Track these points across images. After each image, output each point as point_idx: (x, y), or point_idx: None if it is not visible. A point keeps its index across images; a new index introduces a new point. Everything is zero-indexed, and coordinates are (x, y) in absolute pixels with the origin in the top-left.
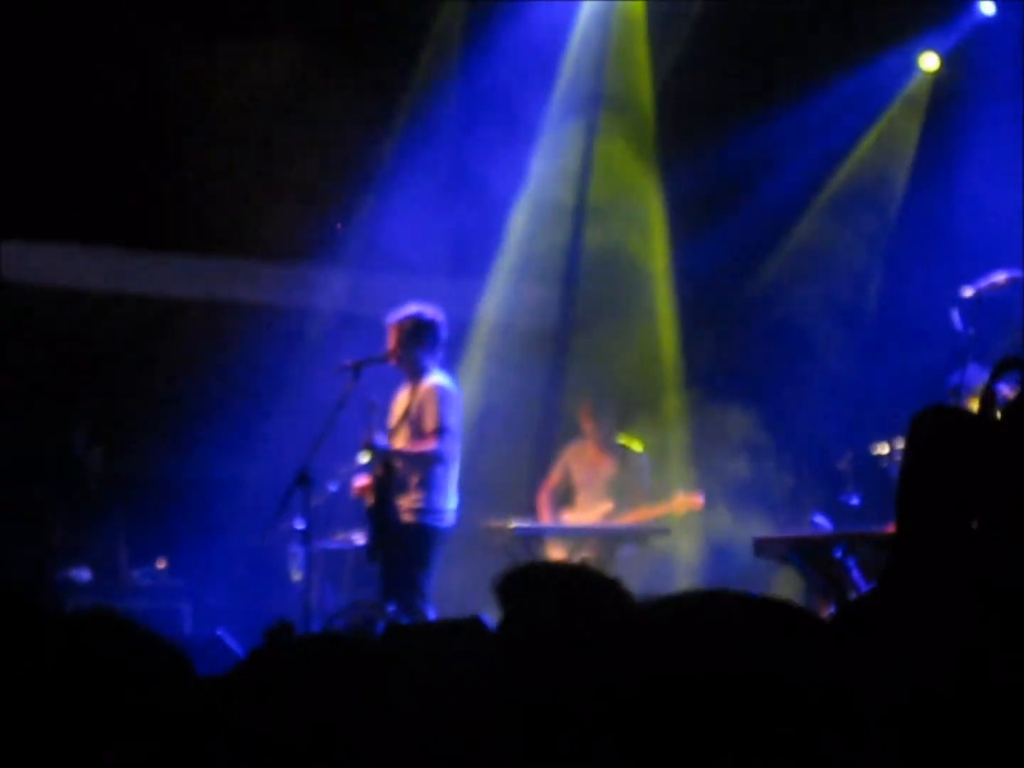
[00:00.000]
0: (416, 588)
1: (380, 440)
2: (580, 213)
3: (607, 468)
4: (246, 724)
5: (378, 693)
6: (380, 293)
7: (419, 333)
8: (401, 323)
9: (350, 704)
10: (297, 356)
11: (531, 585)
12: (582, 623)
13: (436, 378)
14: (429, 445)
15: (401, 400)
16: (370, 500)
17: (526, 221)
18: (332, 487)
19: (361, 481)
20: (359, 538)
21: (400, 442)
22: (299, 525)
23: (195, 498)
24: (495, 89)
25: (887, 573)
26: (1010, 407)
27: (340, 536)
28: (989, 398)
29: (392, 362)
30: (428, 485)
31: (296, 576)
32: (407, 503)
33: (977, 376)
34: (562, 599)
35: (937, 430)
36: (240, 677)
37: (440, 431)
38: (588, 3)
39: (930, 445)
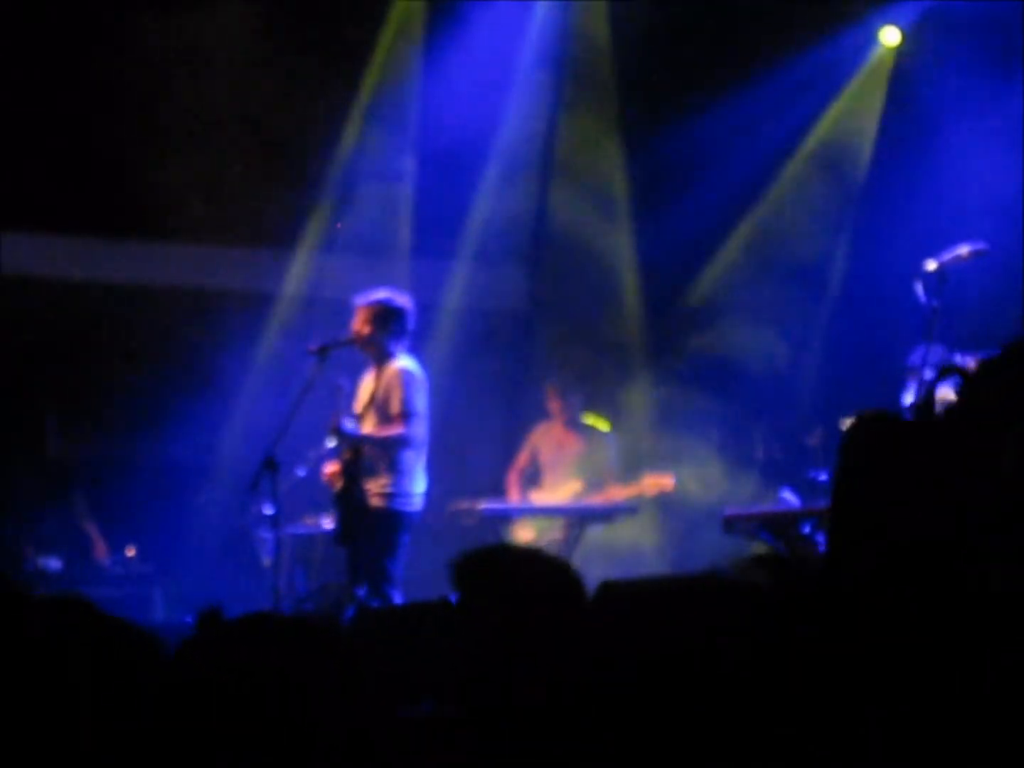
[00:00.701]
0: (384, 572)
1: (347, 425)
2: (543, 193)
3: (574, 447)
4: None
5: (313, 672)
6: (343, 276)
7: (387, 319)
8: (370, 306)
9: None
10: (262, 340)
11: (485, 568)
12: (535, 606)
13: (402, 362)
14: (396, 429)
15: (367, 384)
16: (338, 485)
17: (489, 203)
18: (300, 472)
19: (331, 467)
20: (328, 523)
21: (367, 426)
22: (267, 510)
23: (163, 484)
24: (459, 69)
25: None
26: (948, 415)
27: (309, 521)
28: (927, 404)
29: (357, 345)
30: (396, 469)
31: (265, 561)
32: (375, 487)
33: (938, 355)
34: (514, 582)
35: (872, 442)
36: (176, 661)
37: (407, 415)
38: None
39: (863, 458)
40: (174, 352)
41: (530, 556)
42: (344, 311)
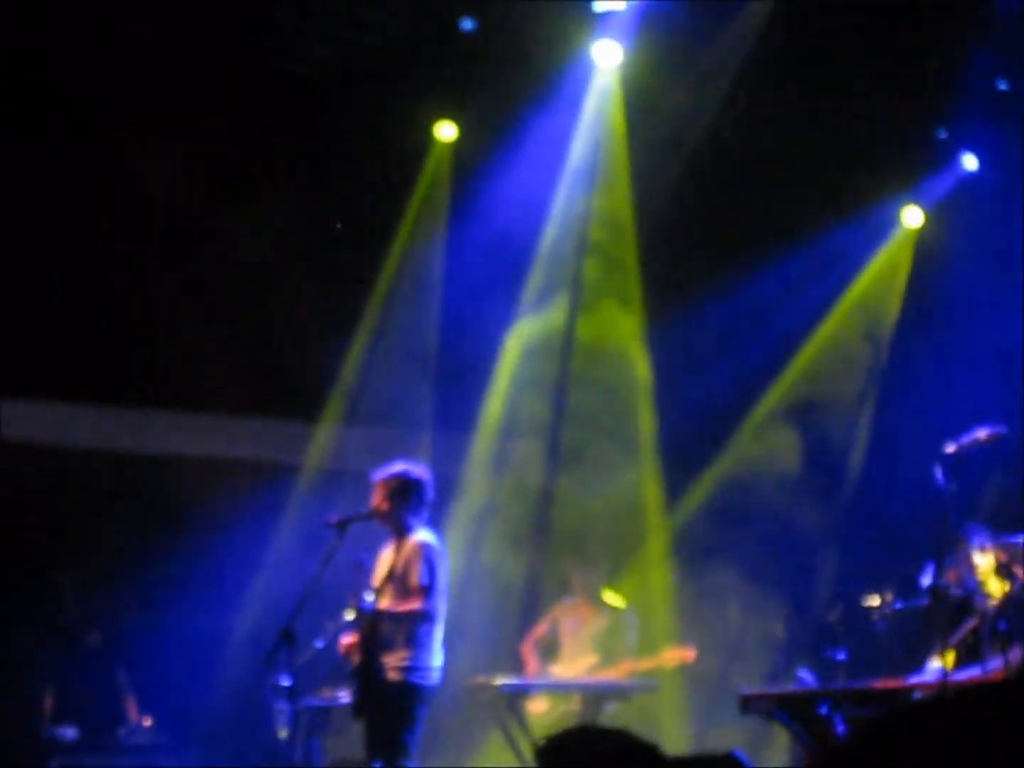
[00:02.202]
0: (401, 746)
1: (366, 602)
2: (564, 367)
3: (595, 623)
4: None
5: None
6: (365, 448)
7: (405, 491)
8: (387, 480)
9: None
10: (283, 512)
11: (572, 751)
12: None
13: (422, 535)
14: (415, 604)
15: (386, 558)
16: (356, 658)
17: (510, 379)
18: (318, 644)
19: (348, 639)
20: (345, 695)
21: (386, 600)
22: (285, 682)
23: (181, 655)
24: (481, 249)
25: None
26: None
27: (326, 693)
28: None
29: (377, 519)
30: (414, 643)
31: (282, 733)
32: (393, 661)
33: (976, 536)
34: (602, 765)
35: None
36: None
37: (426, 589)
38: (571, 160)
39: None
40: (197, 521)
41: (614, 737)
42: (365, 483)
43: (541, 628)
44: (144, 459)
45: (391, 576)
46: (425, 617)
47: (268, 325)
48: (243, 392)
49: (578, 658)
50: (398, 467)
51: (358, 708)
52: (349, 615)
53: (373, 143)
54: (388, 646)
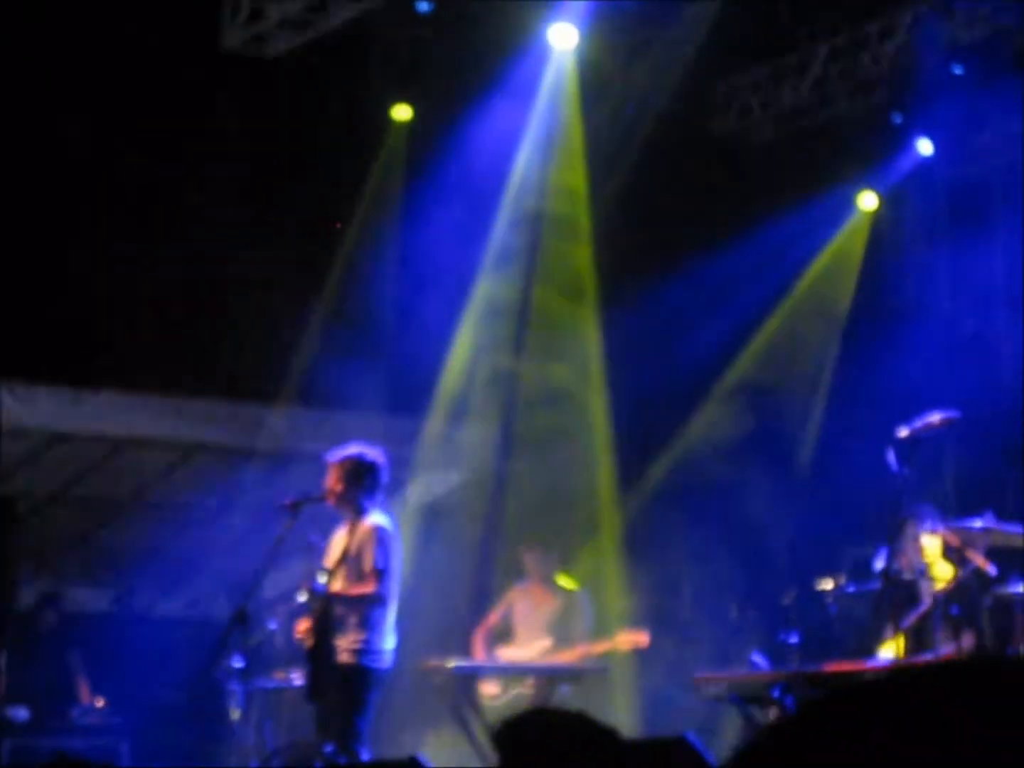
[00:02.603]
0: (352, 729)
1: (319, 584)
2: (518, 352)
3: (549, 606)
4: None
5: None
6: (319, 431)
7: (359, 474)
8: (341, 463)
9: None
10: (237, 494)
11: (530, 735)
12: None
13: (375, 518)
14: (368, 587)
15: (339, 539)
16: (308, 641)
17: (464, 364)
18: (271, 625)
19: (304, 623)
20: (298, 677)
21: (339, 583)
22: (237, 663)
23: (133, 636)
24: (437, 223)
25: None
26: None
27: (279, 675)
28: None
29: (330, 501)
30: (367, 626)
31: (235, 714)
32: (346, 644)
33: (924, 518)
34: (560, 749)
35: (531, 749)
36: None
37: (380, 573)
38: (527, 141)
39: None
40: (149, 503)
41: (572, 721)
42: (318, 466)
43: (494, 616)
44: (97, 440)
45: (344, 559)
46: (378, 600)
47: (223, 307)
48: (194, 374)
49: (532, 641)
50: (353, 449)
51: (311, 691)
52: (302, 597)
53: (328, 124)
54: (340, 629)
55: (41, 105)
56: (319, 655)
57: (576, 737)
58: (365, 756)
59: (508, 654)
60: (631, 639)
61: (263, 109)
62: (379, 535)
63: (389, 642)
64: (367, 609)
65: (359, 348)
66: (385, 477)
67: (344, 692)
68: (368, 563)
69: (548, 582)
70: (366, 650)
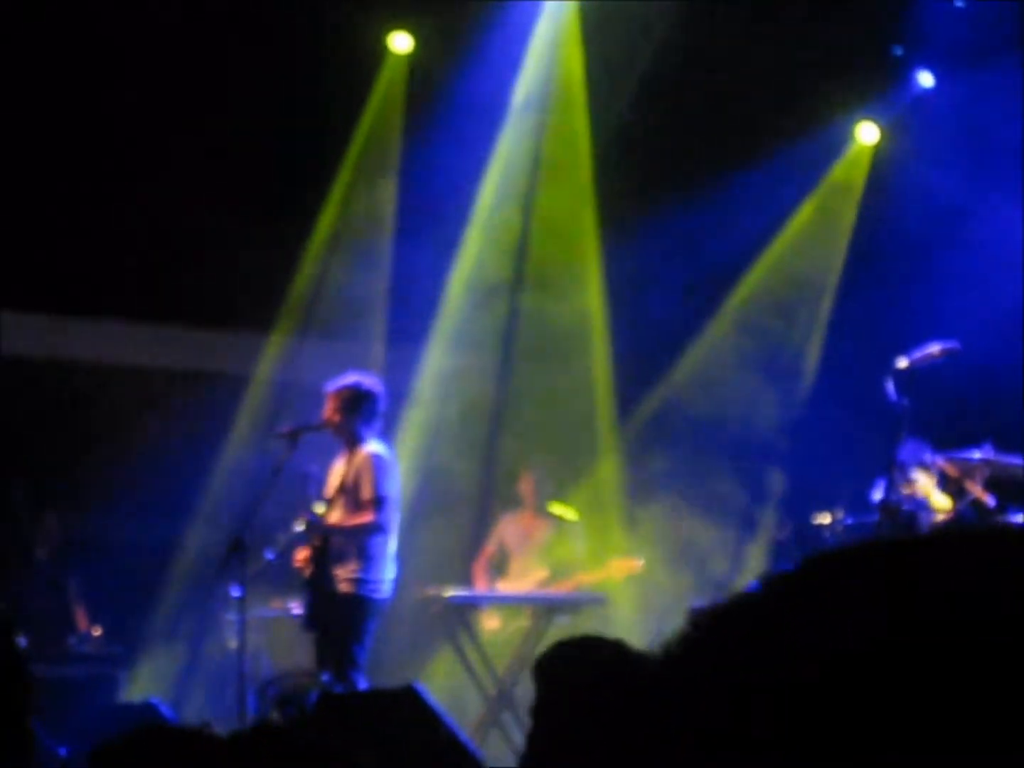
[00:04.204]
0: (351, 658)
1: (316, 515)
2: (518, 282)
3: (542, 535)
4: None
5: None
6: (317, 361)
7: (357, 403)
8: (339, 392)
9: None
10: (235, 423)
11: (571, 663)
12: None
13: (373, 447)
14: (367, 517)
15: (338, 469)
16: (308, 570)
17: (463, 291)
18: (269, 555)
19: (303, 553)
20: (295, 606)
21: (337, 512)
22: (235, 592)
23: (131, 564)
24: (434, 162)
25: None
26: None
27: (276, 604)
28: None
29: (329, 430)
30: (366, 555)
31: (231, 643)
32: (344, 573)
33: (915, 451)
34: (599, 678)
35: (571, 677)
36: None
37: (378, 501)
38: (526, 77)
39: (562, 697)
40: (147, 432)
41: (613, 647)
42: (317, 395)
43: (489, 547)
44: (96, 368)
45: (343, 487)
46: (377, 529)
47: (222, 236)
48: (195, 302)
49: (528, 572)
50: (350, 378)
51: (309, 620)
52: (299, 526)
53: (322, 55)
54: (339, 559)
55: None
56: (318, 585)
57: (616, 662)
58: (362, 685)
59: (504, 587)
60: (625, 566)
61: (252, 39)
62: (376, 463)
63: (389, 572)
64: (366, 539)
65: (358, 279)
66: (382, 405)
67: (342, 621)
68: (366, 492)
69: (541, 509)
70: (365, 579)
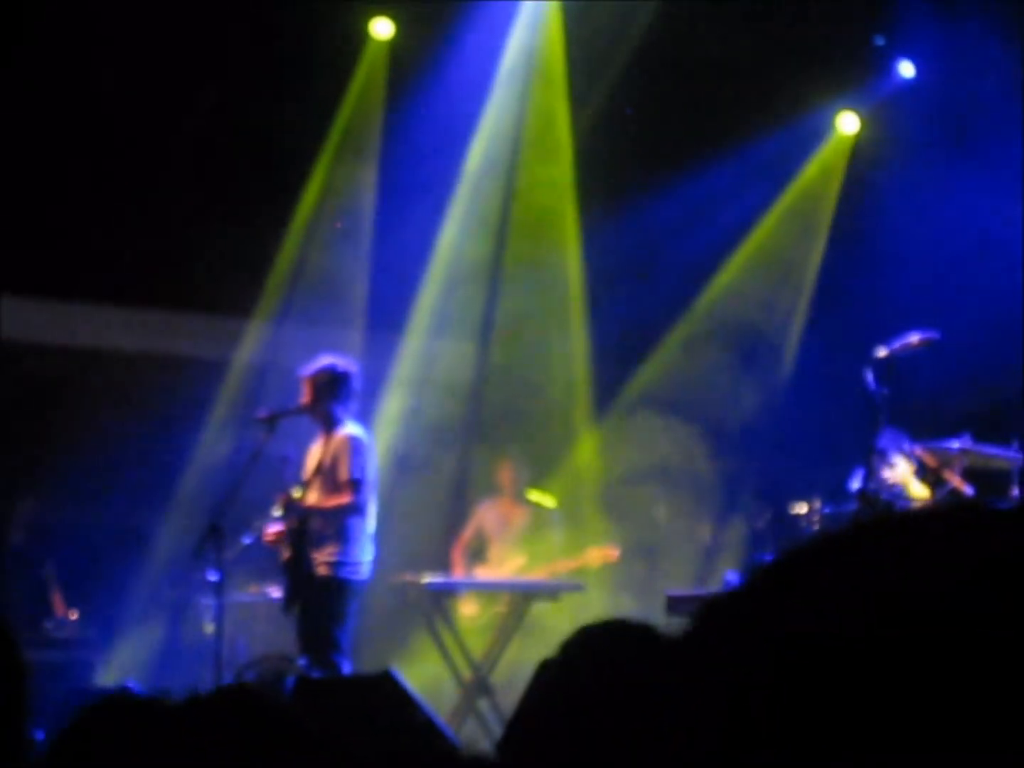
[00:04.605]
0: (332, 641)
1: (295, 498)
2: (497, 268)
3: (520, 522)
4: None
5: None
6: (296, 346)
7: (332, 385)
8: (314, 376)
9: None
10: (212, 407)
11: (598, 646)
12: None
13: (350, 428)
14: (344, 498)
15: (315, 452)
16: (286, 553)
17: (442, 277)
18: (246, 539)
19: (273, 528)
20: (272, 590)
21: (314, 494)
22: (212, 577)
23: (107, 549)
24: (414, 148)
25: None
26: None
27: (253, 589)
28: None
29: (306, 414)
30: (344, 537)
31: (208, 628)
32: (323, 556)
33: (894, 439)
34: (624, 662)
35: (601, 660)
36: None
37: (355, 483)
38: (508, 60)
39: (590, 681)
40: (125, 416)
41: (642, 631)
42: (295, 380)
43: (468, 532)
44: (72, 352)
45: (319, 470)
46: (355, 510)
47: (200, 220)
48: (173, 286)
49: (506, 559)
50: (324, 361)
51: (288, 603)
52: (277, 511)
53: (304, 40)
54: (318, 541)
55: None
56: (296, 567)
57: (644, 646)
58: (347, 668)
59: (482, 573)
60: (601, 554)
61: (232, 24)
62: (353, 444)
63: (367, 553)
64: (344, 520)
65: (337, 264)
66: (357, 385)
67: (322, 604)
68: (343, 473)
69: (519, 496)
70: (343, 562)
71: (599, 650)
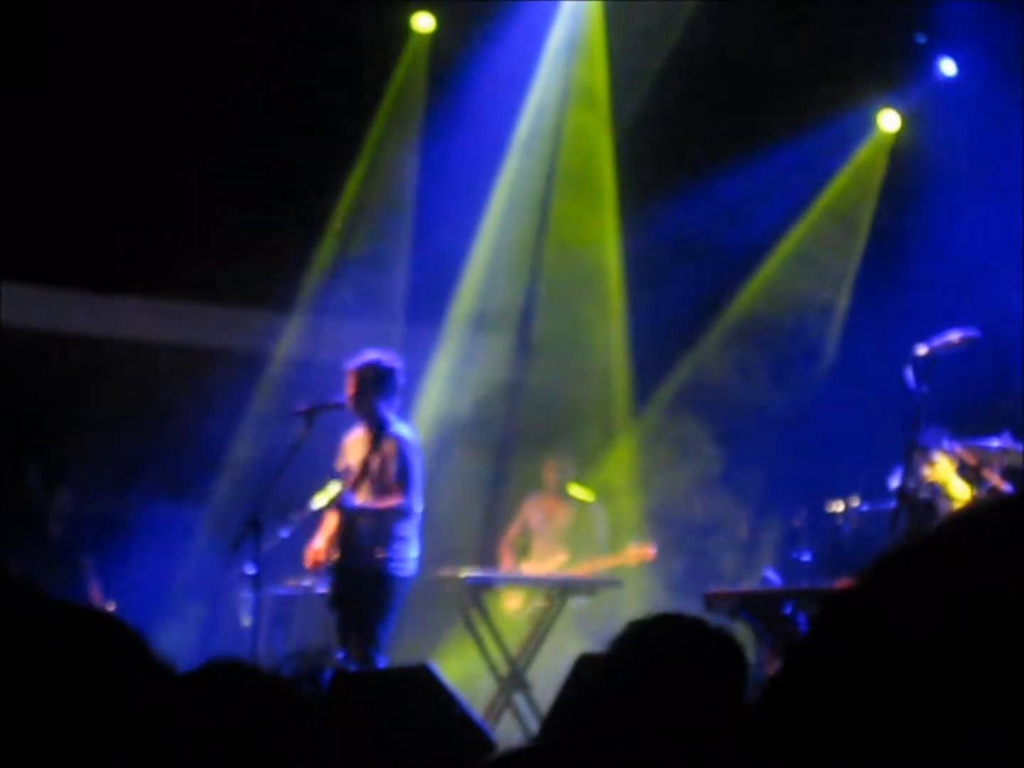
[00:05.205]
0: (373, 637)
1: (348, 499)
2: (537, 265)
3: (562, 517)
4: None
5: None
6: (336, 340)
7: (378, 380)
8: (361, 370)
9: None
10: (253, 400)
11: (651, 640)
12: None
13: (399, 429)
14: (395, 500)
15: (355, 443)
16: (334, 554)
17: (482, 271)
18: (284, 533)
19: (320, 548)
20: (309, 584)
21: (363, 495)
22: (249, 570)
23: (145, 541)
24: (456, 141)
25: None
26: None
27: (290, 582)
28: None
29: (350, 408)
30: (393, 536)
31: (245, 621)
32: (372, 553)
33: (935, 436)
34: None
35: (661, 654)
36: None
37: (406, 484)
38: (549, 55)
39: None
40: (163, 409)
41: (693, 624)
42: (334, 374)
43: (514, 529)
44: (115, 345)
45: (367, 469)
46: (405, 512)
47: (242, 213)
48: (214, 279)
49: (548, 555)
50: (370, 355)
51: (335, 600)
52: (316, 504)
53: (345, 34)
54: (367, 540)
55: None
56: (344, 565)
57: (696, 640)
58: (381, 664)
59: (526, 569)
60: (639, 553)
61: (274, 20)
62: (404, 447)
63: (413, 551)
64: (394, 521)
65: (378, 257)
66: (401, 380)
67: (368, 600)
68: (394, 476)
69: (562, 493)
70: (392, 559)
71: (650, 644)
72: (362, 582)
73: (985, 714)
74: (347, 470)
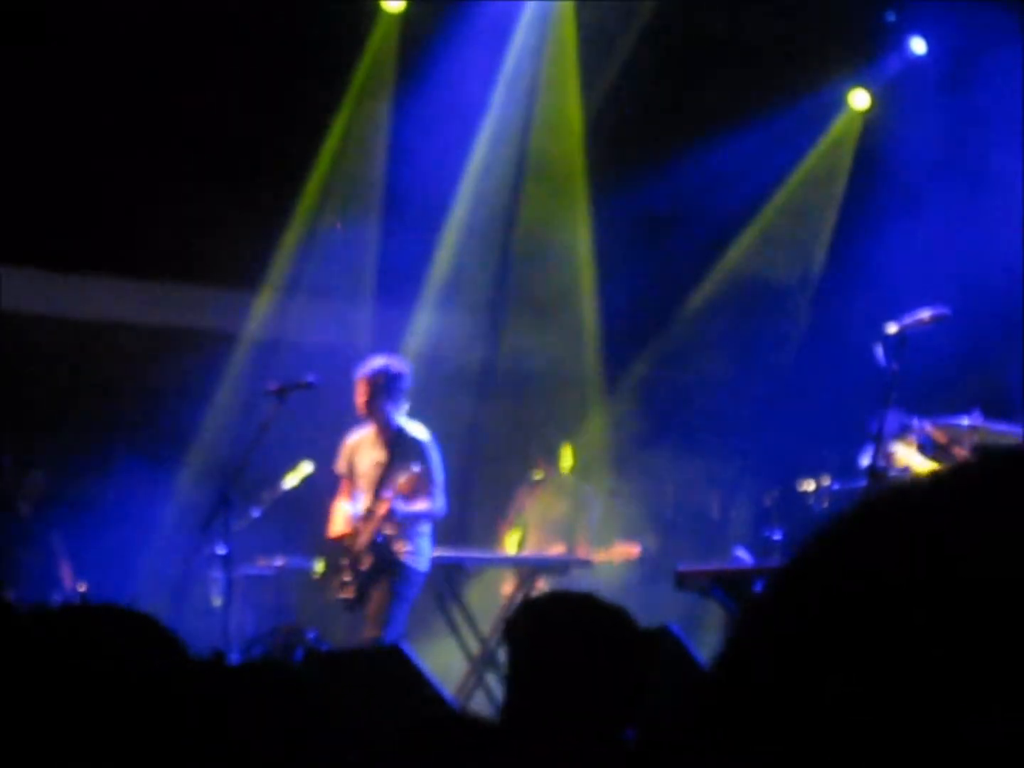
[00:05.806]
0: (389, 626)
1: (399, 506)
2: (507, 243)
3: (556, 507)
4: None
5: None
6: (307, 319)
7: (388, 386)
8: (371, 377)
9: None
10: (224, 380)
11: (541, 620)
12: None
13: (415, 431)
14: (430, 504)
15: (361, 446)
16: (365, 564)
17: (452, 250)
18: (254, 512)
19: (343, 523)
20: (280, 564)
21: (369, 498)
22: (220, 550)
23: (115, 521)
24: (426, 121)
25: None
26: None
27: (261, 562)
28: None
29: (362, 415)
30: (419, 533)
31: (216, 601)
32: (398, 548)
33: (894, 421)
34: (570, 633)
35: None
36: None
37: (435, 487)
38: (519, 34)
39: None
40: (133, 389)
41: (583, 601)
42: (303, 353)
43: (511, 517)
44: (82, 325)
45: (386, 474)
46: (439, 514)
47: (209, 191)
48: (183, 259)
49: (543, 547)
50: (378, 362)
51: (359, 599)
52: (288, 483)
53: (315, 13)
54: (396, 538)
55: None
56: (370, 566)
57: (588, 617)
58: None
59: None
60: (625, 551)
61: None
62: (425, 452)
63: (430, 547)
64: (425, 521)
65: (347, 237)
66: (408, 384)
67: (391, 588)
68: (421, 479)
69: (556, 482)
70: (414, 552)
71: (540, 623)
72: (383, 573)
73: (962, 661)
74: (352, 471)
